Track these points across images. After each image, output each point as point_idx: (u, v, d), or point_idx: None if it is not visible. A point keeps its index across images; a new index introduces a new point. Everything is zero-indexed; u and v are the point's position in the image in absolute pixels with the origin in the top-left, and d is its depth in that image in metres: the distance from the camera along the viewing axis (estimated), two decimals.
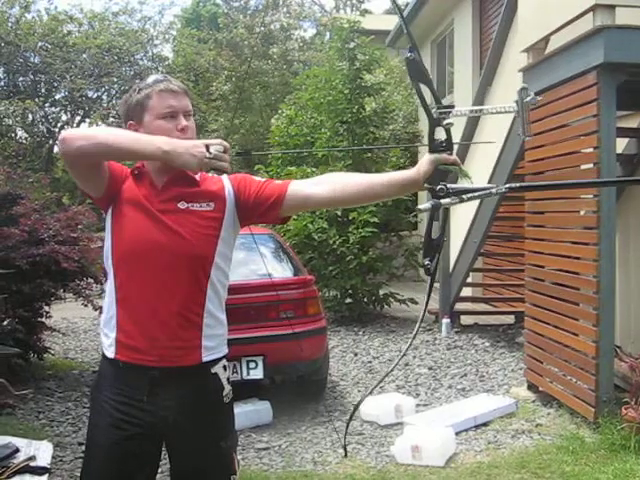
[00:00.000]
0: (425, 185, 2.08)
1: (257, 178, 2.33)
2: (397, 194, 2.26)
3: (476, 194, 2.07)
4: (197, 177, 2.29)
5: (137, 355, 2.18)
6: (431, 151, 2.07)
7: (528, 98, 2.02)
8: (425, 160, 2.08)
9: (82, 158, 2.11)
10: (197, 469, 2.25)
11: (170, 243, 2.17)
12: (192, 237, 2.19)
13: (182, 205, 2.22)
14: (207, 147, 2.10)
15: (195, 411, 2.22)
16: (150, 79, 2.28)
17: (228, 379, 2.31)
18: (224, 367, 2.29)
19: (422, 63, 2.05)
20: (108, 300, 2.25)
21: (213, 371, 2.25)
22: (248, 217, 2.30)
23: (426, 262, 2.14)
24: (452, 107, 2.05)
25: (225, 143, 2.14)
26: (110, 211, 2.26)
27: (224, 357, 2.30)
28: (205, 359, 2.22)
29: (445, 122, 2.05)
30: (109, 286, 2.25)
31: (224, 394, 2.29)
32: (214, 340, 2.25)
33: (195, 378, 2.22)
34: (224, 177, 2.31)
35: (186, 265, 2.18)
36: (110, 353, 2.23)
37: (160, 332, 2.16)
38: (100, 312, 6.08)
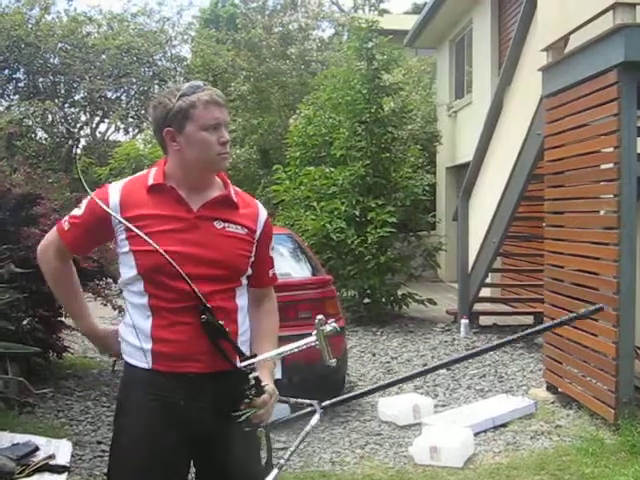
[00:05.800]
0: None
1: (271, 246, 2.44)
2: None
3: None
4: (236, 200, 2.33)
5: (174, 363, 2.19)
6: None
7: (328, 328, 2.25)
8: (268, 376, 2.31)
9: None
10: (231, 471, 2.25)
11: (206, 255, 2.21)
12: (227, 251, 2.25)
13: (218, 224, 2.26)
14: None
15: (230, 415, 2.20)
16: (188, 86, 2.22)
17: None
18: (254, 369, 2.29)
19: None
20: (138, 311, 2.23)
21: (248, 374, 2.22)
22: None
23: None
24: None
25: None
26: (121, 231, 2.24)
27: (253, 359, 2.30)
28: (239, 364, 2.22)
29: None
30: (136, 298, 2.24)
31: None
32: (244, 345, 2.30)
33: (229, 381, 2.21)
34: (261, 211, 2.39)
35: (221, 275, 2.23)
36: (145, 364, 2.21)
37: (195, 340, 2.17)
38: (119, 312, 6.12)
